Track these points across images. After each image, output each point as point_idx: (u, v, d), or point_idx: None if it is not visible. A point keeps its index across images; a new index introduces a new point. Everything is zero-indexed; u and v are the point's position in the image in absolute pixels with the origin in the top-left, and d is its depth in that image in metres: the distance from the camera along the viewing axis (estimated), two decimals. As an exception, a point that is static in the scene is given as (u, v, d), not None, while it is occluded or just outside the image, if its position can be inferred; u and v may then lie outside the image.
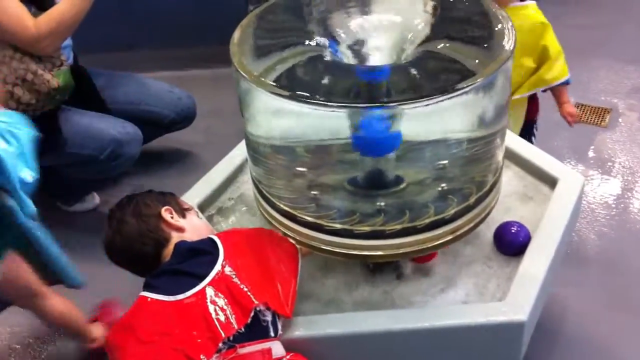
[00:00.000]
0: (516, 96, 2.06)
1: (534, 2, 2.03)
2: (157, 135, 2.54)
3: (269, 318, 1.34)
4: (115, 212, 1.55)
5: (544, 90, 2.12)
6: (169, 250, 1.46)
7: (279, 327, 1.37)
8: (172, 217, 1.51)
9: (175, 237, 1.49)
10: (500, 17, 1.47)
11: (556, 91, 2.12)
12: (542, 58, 2.03)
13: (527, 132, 2.18)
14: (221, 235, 1.47)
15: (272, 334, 1.34)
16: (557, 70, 2.03)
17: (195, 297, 1.32)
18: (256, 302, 1.32)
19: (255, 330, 1.32)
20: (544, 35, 1.99)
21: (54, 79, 1.99)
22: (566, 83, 2.08)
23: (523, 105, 2.13)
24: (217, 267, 1.36)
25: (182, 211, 1.56)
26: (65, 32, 2.01)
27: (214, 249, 1.40)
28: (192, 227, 1.53)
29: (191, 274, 1.36)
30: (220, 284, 1.34)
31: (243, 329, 1.30)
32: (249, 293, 1.33)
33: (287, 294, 1.40)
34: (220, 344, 1.28)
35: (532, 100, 2.15)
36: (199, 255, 1.40)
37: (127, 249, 1.50)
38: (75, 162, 2.18)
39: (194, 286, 1.33)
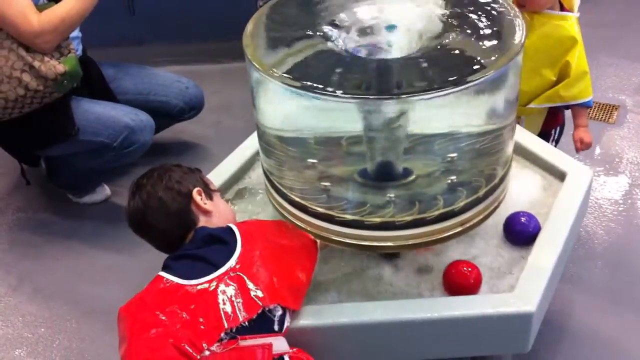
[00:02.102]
0: (531, 105, 2.00)
1: (575, 15, 1.94)
2: (166, 125, 2.56)
3: (279, 313, 1.36)
4: (144, 184, 1.50)
5: (566, 108, 2.06)
6: (192, 232, 1.46)
7: (287, 321, 1.38)
8: (201, 199, 1.49)
9: (202, 220, 1.47)
10: (511, 11, 1.48)
11: (574, 111, 2.04)
12: (563, 73, 1.95)
13: None
14: (240, 225, 1.46)
15: (276, 328, 1.35)
16: (577, 90, 1.95)
17: (207, 284, 1.33)
18: (264, 303, 1.33)
19: (260, 324, 1.33)
20: (571, 51, 1.92)
21: (61, 64, 2.01)
22: (586, 105, 2.00)
23: (541, 116, 2.07)
24: (233, 260, 1.37)
25: (210, 192, 1.54)
26: (67, 30, 2.03)
27: (232, 240, 1.40)
28: (218, 211, 1.51)
29: (208, 260, 1.37)
30: (234, 276, 1.35)
31: (247, 323, 1.31)
32: (259, 294, 1.34)
33: (299, 290, 1.41)
34: (222, 334, 1.29)
35: (552, 114, 2.08)
36: (217, 243, 1.41)
37: (154, 226, 1.47)
38: (88, 150, 2.20)
39: (209, 273, 1.35)
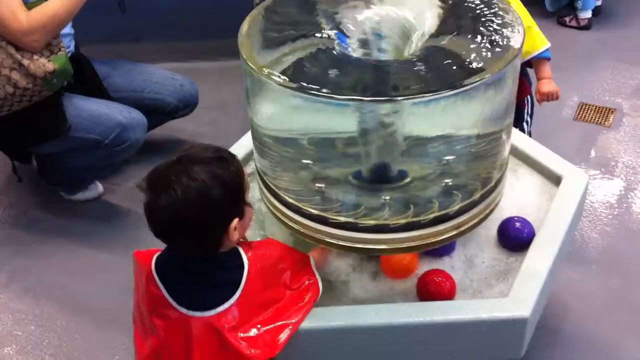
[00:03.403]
0: None
1: None
2: (160, 123, 2.54)
3: None
4: (194, 178, 1.23)
5: (529, 66, 2.05)
6: None
7: None
8: (234, 231, 1.29)
9: (225, 245, 1.32)
10: (509, 13, 1.47)
11: (534, 67, 2.05)
12: None
13: (516, 118, 2.04)
14: (251, 258, 1.34)
15: None
16: (527, 45, 1.91)
17: (194, 323, 1.30)
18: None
19: None
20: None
21: (50, 62, 1.99)
22: (544, 57, 2.00)
23: None
24: (226, 305, 1.30)
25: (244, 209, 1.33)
26: (56, 28, 2.01)
27: (237, 279, 1.31)
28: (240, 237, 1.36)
29: (207, 294, 1.32)
30: (220, 327, 1.30)
31: None
32: (241, 347, 1.29)
33: (281, 338, 1.35)
34: None
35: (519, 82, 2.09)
36: (223, 277, 1.33)
37: (181, 228, 1.25)
38: (80, 147, 2.19)
39: (201, 309, 1.31)
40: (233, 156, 1.32)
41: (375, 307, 1.46)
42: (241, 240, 1.36)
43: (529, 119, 2.17)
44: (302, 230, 1.49)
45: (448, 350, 1.46)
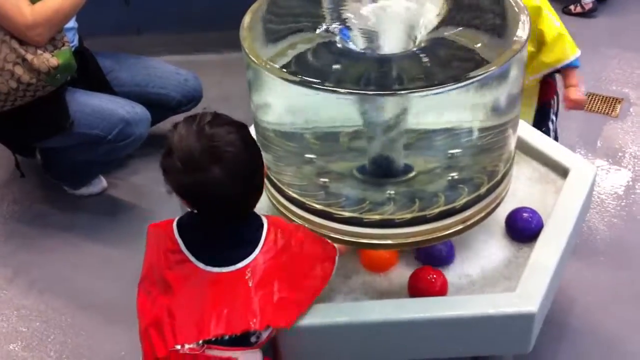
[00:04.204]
0: None
1: None
2: (163, 117, 2.52)
3: (264, 332, 1.31)
4: (237, 148, 1.22)
5: (557, 72, 2.06)
6: None
7: (268, 334, 1.33)
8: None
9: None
10: (515, 5, 1.45)
11: (562, 74, 2.05)
12: (540, 42, 1.97)
13: (543, 118, 2.12)
14: (270, 229, 1.35)
15: (252, 340, 1.31)
16: (559, 52, 1.96)
17: (212, 278, 1.30)
18: (255, 328, 1.28)
19: (239, 340, 1.29)
20: (539, 19, 1.93)
21: (54, 57, 1.98)
22: (573, 66, 2.00)
23: (535, 89, 2.08)
24: (246, 262, 1.31)
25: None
26: (60, 22, 2.00)
27: (258, 236, 1.33)
28: None
29: (227, 253, 1.32)
30: (237, 284, 1.30)
31: (227, 337, 1.28)
32: (255, 319, 1.29)
33: (298, 306, 1.36)
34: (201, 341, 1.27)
35: (544, 83, 2.10)
36: (246, 236, 1.33)
37: (233, 198, 1.26)
38: (83, 143, 2.18)
39: (222, 265, 1.31)
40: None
41: (381, 302, 1.45)
42: None
43: (554, 118, 2.17)
44: (306, 225, 1.48)
45: (454, 346, 1.45)
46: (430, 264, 1.53)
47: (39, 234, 2.31)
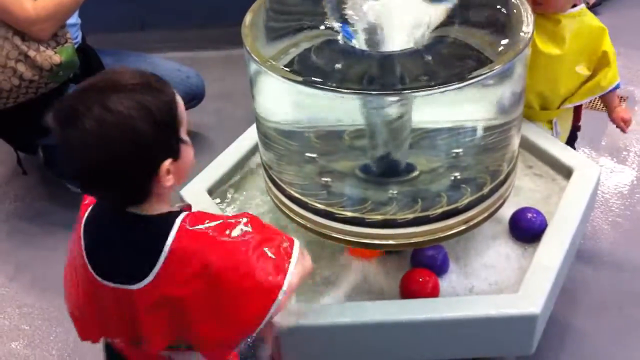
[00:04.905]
0: (567, 105, 1.92)
1: (584, 6, 1.86)
2: (166, 115, 2.52)
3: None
4: (110, 108, 1.00)
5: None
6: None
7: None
8: (167, 175, 1.06)
9: (158, 198, 1.09)
10: (519, 3, 1.44)
11: (607, 96, 1.96)
12: (601, 64, 1.88)
13: (570, 143, 2.03)
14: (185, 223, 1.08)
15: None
16: (612, 75, 1.89)
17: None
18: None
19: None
20: (604, 39, 1.85)
21: (57, 54, 1.98)
22: (617, 87, 1.94)
23: (570, 112, 2.00)
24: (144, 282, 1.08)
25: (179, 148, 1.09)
26: (63, 16, 2.00)
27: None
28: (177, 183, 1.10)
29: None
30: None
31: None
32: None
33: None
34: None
35: (577, 108, 2.01)
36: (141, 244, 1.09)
37: (98, 173, 1.04)
38: (86, 139, 2.17)
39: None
40: (165, 83, 1.09)
41: (383, 303, 1.44)
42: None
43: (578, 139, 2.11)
44: (308, 225, 1.47)
45: (456, 347, 1.44)
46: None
47: (41, 232, 2.31)
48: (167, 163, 1.04)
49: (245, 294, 1.08)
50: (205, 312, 1.08)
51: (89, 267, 1.13)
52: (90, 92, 1.02)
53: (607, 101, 1.99)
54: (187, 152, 1.10)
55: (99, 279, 1.12)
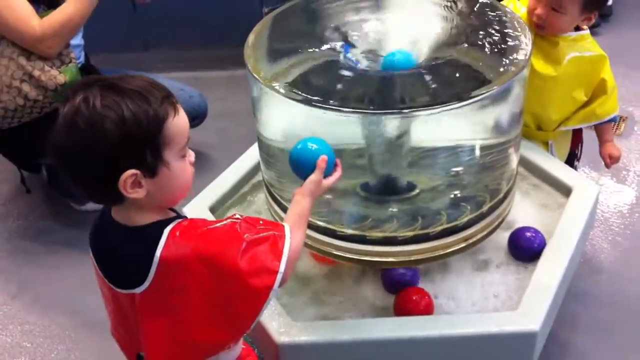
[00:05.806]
0: (562, 128, 1.91)
1: (588, 32, 1.86)
2: (168, 134, 2.54)
3: None
4: (89, 103, 1.02)
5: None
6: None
7: None
8: (130, 186, 1.04)
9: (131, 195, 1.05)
10: (517, 25, 1.46)
11: (600, 127, 1.96)
12: (598, 91, 1.87)
13: (569, 162, 2.02)
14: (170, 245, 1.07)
15: None
16: (610, 105, 1.88)
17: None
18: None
19: None
20: (603, 67, 1.85)
21: (61, 74, 2.00)
22: (613, 120, 1.94)
23: (568, 136, 2.00)
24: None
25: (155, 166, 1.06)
26: (68, 34, 2.02)
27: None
28: (158, 190, 1.08)
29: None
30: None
31: None
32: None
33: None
34: None
35: (577, 133, 2.01)
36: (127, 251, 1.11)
37: (65, 159, 1.06)
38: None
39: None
40: (165, 102, 1.08)
41: (381, 320, 1.45)
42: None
43: (577, 164, 2.11)
44: (308, 243, 1.48)
45: (456, 364, 1.45)
46: (394, 289, 1.52)
47: (44, 250, 2.32)
48: (129, 174, 1.02)
49: (245, 271, 1.07)
50: (205, 311, 1.09)
51: (102, 274, 1.17)
52: (94, 84, 1.04)
53: (600, 132, 1.98)
54: (174, 173, 1.08)
55: (112, 285, 1.15)
